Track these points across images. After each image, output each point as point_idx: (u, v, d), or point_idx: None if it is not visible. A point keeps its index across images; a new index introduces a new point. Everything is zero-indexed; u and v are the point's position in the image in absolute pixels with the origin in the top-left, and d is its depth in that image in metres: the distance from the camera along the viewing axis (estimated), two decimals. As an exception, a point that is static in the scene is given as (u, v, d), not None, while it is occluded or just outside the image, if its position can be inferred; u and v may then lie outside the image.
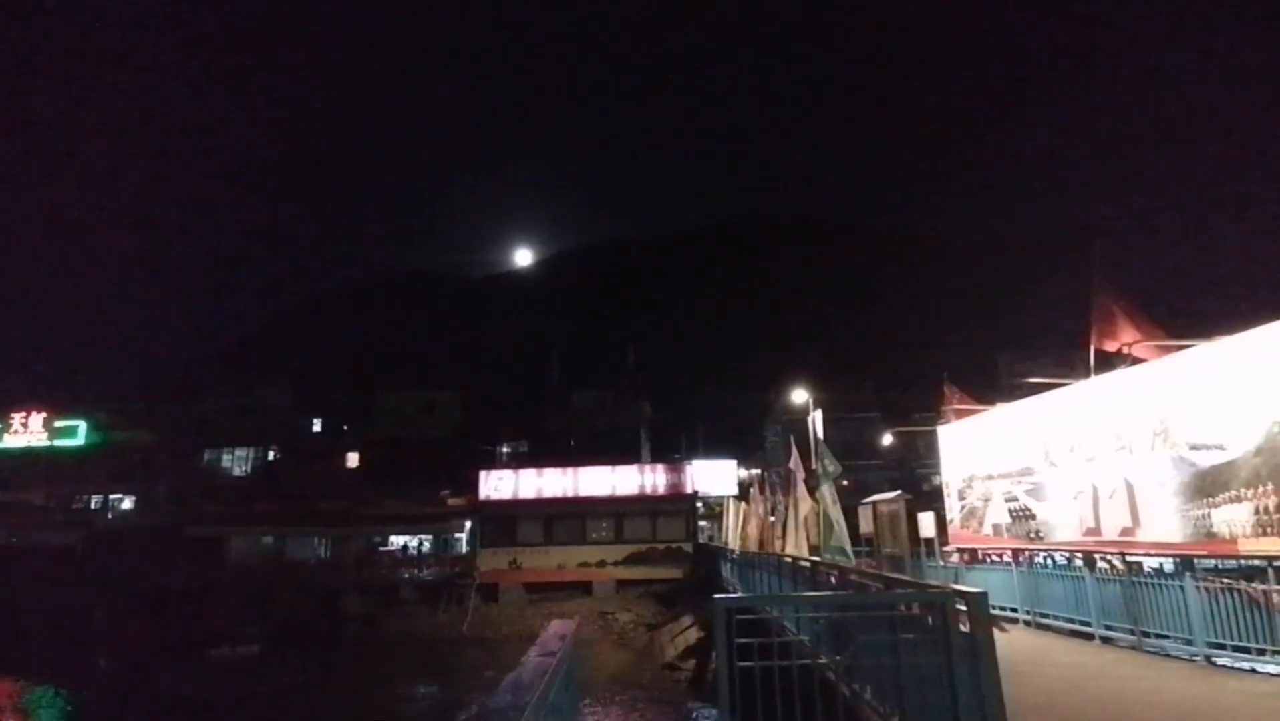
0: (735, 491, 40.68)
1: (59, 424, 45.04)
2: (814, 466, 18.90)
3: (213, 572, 35.06)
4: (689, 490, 35.77)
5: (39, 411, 45.28)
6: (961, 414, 18.83)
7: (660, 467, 36.93)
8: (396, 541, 38.68)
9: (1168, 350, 12.07)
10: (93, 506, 44.39)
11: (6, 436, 44.96)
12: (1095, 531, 13.05)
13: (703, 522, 40.40)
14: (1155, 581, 10.72)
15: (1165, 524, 11.27)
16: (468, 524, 36.30)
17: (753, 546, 22.71)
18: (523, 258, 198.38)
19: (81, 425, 45.16)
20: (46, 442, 44.83)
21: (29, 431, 44.87)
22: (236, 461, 45.83)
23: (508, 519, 35.27)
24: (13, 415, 45.15)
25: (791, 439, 19.50)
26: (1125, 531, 12.26)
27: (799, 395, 24.95)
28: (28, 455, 44.57)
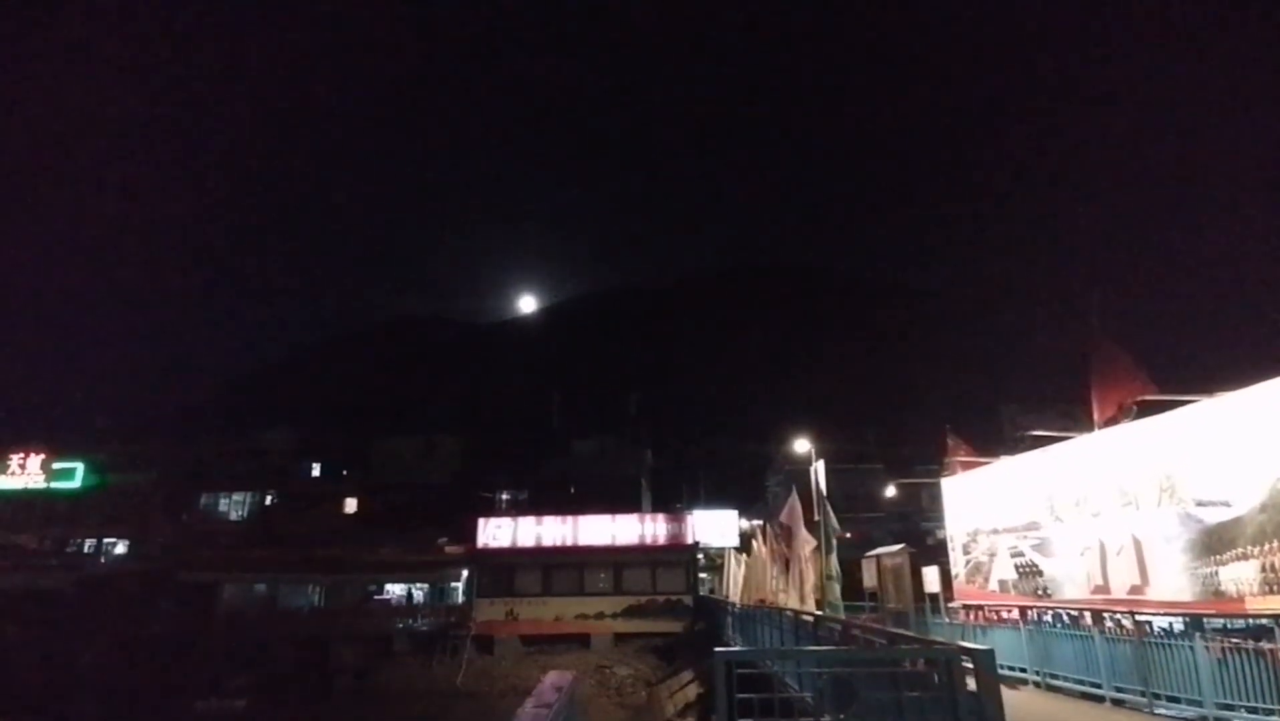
0: (737, 543, 40.20)
1: (57, 466, 44.73)
2: (816, 519, 18.71)
3: (203, 620, 34.49)
4: (690, 540, 35.30)
5: (38, 453, 45.04)
6: (965, 465, 18.70)
7: (661, 517, 36.51)
8: (392, 590, 38.11)
9: (1170, 405, 12.04)
10: (86, 550, 43.86)
11: (3, 478, 44.62)
12: (1104, 589, 12.82)
13: (703, 575, 39.81)
14: (1165, 641, 10.52)
15: (1174, 582, 11.09)
16: (465, 572, 35.81)
17: (755, 599, 22.35)
18: (527, 305, 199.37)
19: (79, 467, 44.86)
20: (43, 485, 44.50)
21: (26, 473, 44.60)
22: (233, 506, 45.47)
23: (505, 568, 34.76)
24: (11, 456, 44.89)
25: (794, 489, 19.33)
26: (1134, 589, 12.05)
27: (801, 445, 24.82)
28: (23, 497, 44.23)
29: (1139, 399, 12.65)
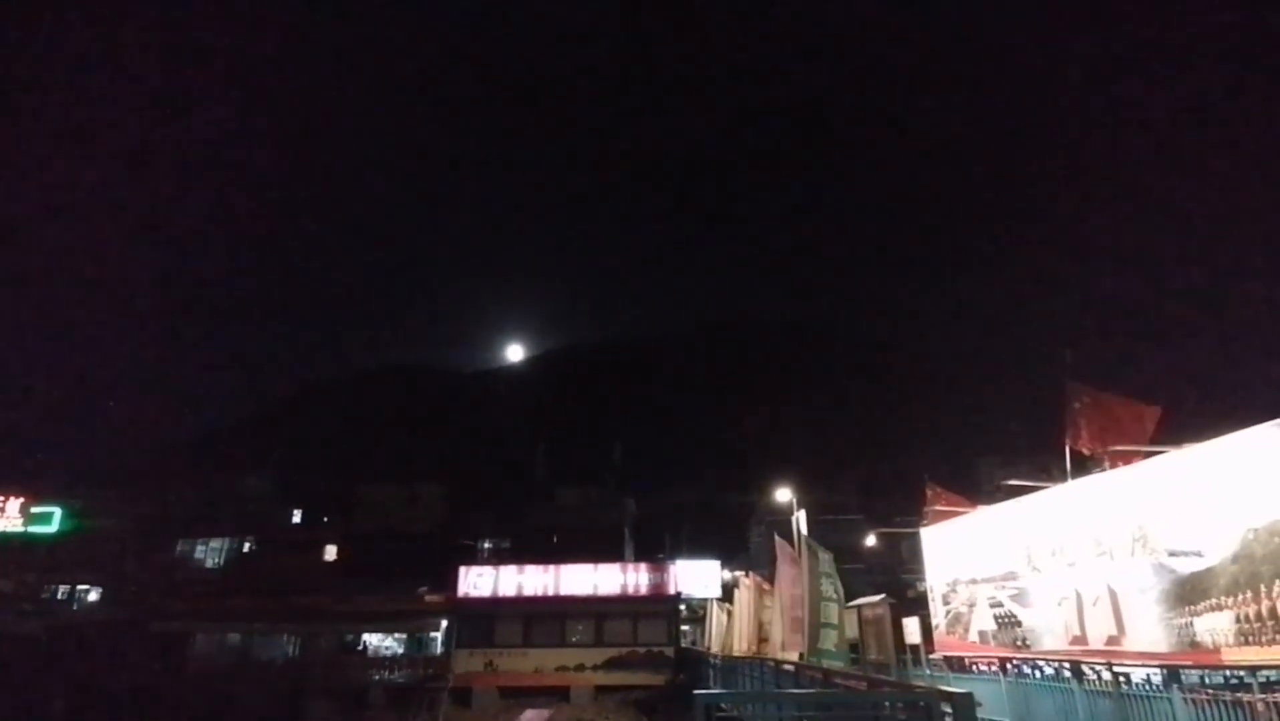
0: (719, 593, 39.88)
1: (35, 510, 44.12)
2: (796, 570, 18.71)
3: (174, 671, 33.64)
4: (672, 591, 34.99)
5: (18, 496, 44.43)
6: (944, 515, 18.86)
7: (643, 567, 36.23)
8: (369, 640, 37.37)
9: (1141, 455, 12.30)
10: (60, 596, 42.94)
11: (-15, 521, 44.00)
12: (1082, 640, 12.85)
13: (685, 626, 39.36)
14: (1145, 693, 10.54)
15: (1150, 632, 11.13)
16: (444, 623, 35.23)
17: (738, 650, 22.21)
18: (514, 354, 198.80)
19: (57, 512, 44.18)
20: (21, 528, 43.81)
21: (6, 516, 43.94)
22: (209, 553, 44.54)
23: (485, 618, 34.28)
24: (-8, 500, 44.30)
25: (775, 535, 19.39)
26: (1111, 640, 12.09)
27: (783, 494, 24.93)
28: (1, 540, 43.48)
29: (1110, 449, 12.91)
